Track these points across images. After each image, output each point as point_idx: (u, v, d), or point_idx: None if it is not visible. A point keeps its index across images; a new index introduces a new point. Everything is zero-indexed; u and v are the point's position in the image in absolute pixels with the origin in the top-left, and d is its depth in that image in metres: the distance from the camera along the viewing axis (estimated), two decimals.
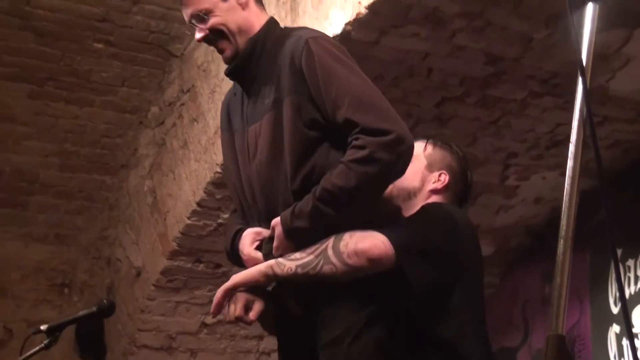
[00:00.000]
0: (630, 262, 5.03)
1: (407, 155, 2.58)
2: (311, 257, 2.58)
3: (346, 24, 3.83)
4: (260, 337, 5.62)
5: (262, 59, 2.76)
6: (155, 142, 5.27)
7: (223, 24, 2.72)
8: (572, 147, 1.48)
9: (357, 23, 3.81)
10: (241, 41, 2.75)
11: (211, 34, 2.74)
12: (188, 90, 4.98)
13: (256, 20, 2.80)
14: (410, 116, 4.46)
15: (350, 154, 2.50)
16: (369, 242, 2.56)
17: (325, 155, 2.61)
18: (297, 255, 2.60)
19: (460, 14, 3.79)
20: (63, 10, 4.64)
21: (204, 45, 4.76)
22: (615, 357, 4.98)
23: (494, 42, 3.99)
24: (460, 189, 3.09)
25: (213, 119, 4.72)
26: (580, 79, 1.46)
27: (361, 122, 2.51)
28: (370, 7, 3.71)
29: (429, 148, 3.07)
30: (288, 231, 2.54)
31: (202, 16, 2.71)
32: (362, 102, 2.57)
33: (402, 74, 4.18)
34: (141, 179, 5.36)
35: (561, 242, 1.38)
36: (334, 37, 3.88)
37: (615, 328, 5.04)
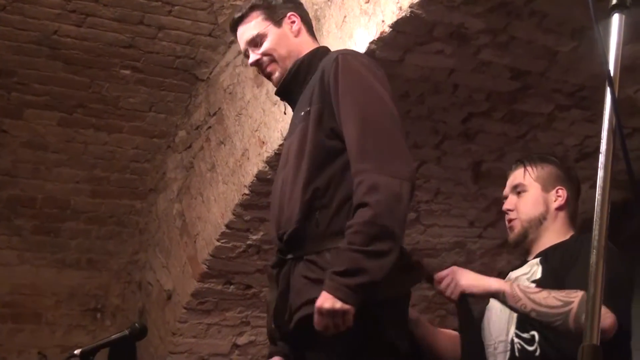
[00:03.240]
0: None
1: (409, 191, 2.62)
2: (551, 310, 2.67)
3: (370, 43, 3.84)
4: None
5: (306, 80, 2.87)
6: (183, 165, 5.30)
7: (274, 49, 2.91)
8: (602, 158, 1.47)
9: (382, 42, 3.81)
10: (289, 65, 2.90)
11: (263, 57, 2.92)
12: (214, 114, 5.00)
13: (306, 47, 2.97)
14: (437, 133, 4.47)
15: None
16: (609, 322, 2.62)
17: (342, 169, 2.67)
18: (537, 297, 2.72)
19: (484, 30, 3.79)
20: (90, 38, 4.68)
21: (230, 68, 4.84)
22: None
23: (519, 57, 3.98)
24: (576, 190, 3.19)
25: (240, 141, 4.73)
26: (608, 90, 1.45)
27: (359, 150, 2.62)
28: (393, 26, 3.72)
29: (534, 171, 3.13)
30: (350, 294, 2.51)
31: (257, 41, 2.92)
32: (370, 129, 2.66)
33: (427, 91, 4.17)
34: (170, 202, 5.39)
35: (594, 252, 1.37)
36: None
37: None
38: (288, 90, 2.95)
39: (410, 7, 3.62)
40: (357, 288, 2.45)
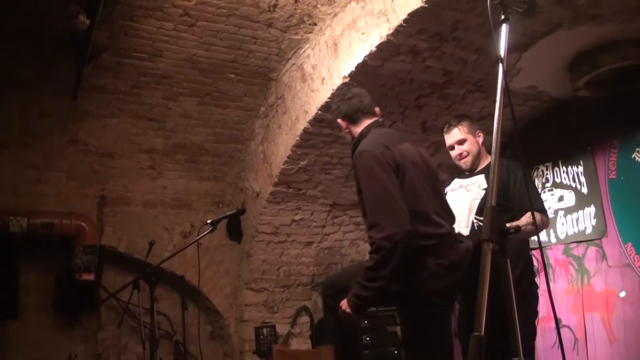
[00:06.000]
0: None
1: (400, 243, 2.22)
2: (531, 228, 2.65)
3: (364, 57, 3.80)
4: (323, 226, 5.63)
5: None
6: (263, 125, 5.26)
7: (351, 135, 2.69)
8: (496, 114, 1.42)
9: (371, 55, 3.76)
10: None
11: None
12: (280, 97, 4.95)
13: (358, 131, 2.65)
14: (401, 106, 4.41)
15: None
16: (547, 223, 2.81)
17: None
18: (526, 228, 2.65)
19: (428, 48, 3.72)
20: (212, 57, 4.63)
21: (288, 73, 4.79)
22: None
23: (447, 63, 3.90)
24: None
25: (294, 111, 4.69)
26: (500, 66, 1.40)
27: (369, 220, 2.32)
28: (377, 47, 3.68)
29: (463, 128, 3.12)
30: (353, 308, 2.35)
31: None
32: (372, 205, 2.33)
33: (396, 83, 4.10)
34: (257, 145, 5.37)
35: (493, 157, 1.34)
36: (357, 65, 3.83)
37: None
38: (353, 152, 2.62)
39: (386, 36, 3.57)
40: (353, 306, 2.34)
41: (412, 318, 2.33)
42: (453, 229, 2.46)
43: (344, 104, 2.70)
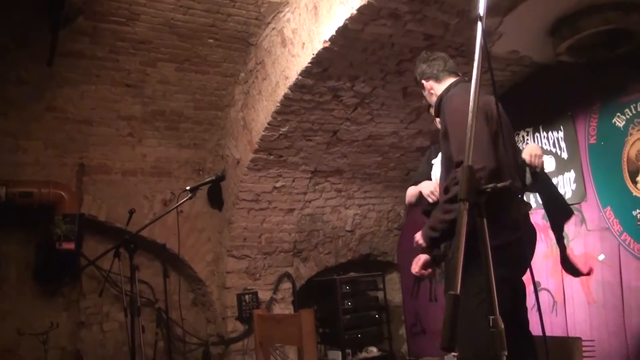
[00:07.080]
0: None
1: (486, 176, 2.16)
2: None
3: (345, 20, 3.72)
4: (305, 193, 5.64)
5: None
6: (243, 92, 5.19)
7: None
8: (474, 72, 1.40)
9: (351, 19, 3.69)
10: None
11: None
12: (260, 63, 4.87)
13: (445, 85, 2.70)
14: (382, 71, 4.37)
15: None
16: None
17: None
18: None
19: (409, 12, 3.66)
20: (190, 21, 4.53)
21: (268, 37, 4.70)
22: None
23: (428, 27, 3.85)
24: None
25: (274, 77, 4.63)
26: (479, 24, 1.37)
27: (454, 158, 2.30)
28: (358, 10, 3.61)
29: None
30: (427, 241, 2.37)
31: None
32: (461, 142, 2.27)
33: (377, 47, 4.05)
34: (237, 112, 5.30)
35: (470, 115, 1.32)
36: (338, 29, 3.76)
37: None
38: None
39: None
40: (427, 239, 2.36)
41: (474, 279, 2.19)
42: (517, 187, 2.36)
43: (429, 65, 2.79)
